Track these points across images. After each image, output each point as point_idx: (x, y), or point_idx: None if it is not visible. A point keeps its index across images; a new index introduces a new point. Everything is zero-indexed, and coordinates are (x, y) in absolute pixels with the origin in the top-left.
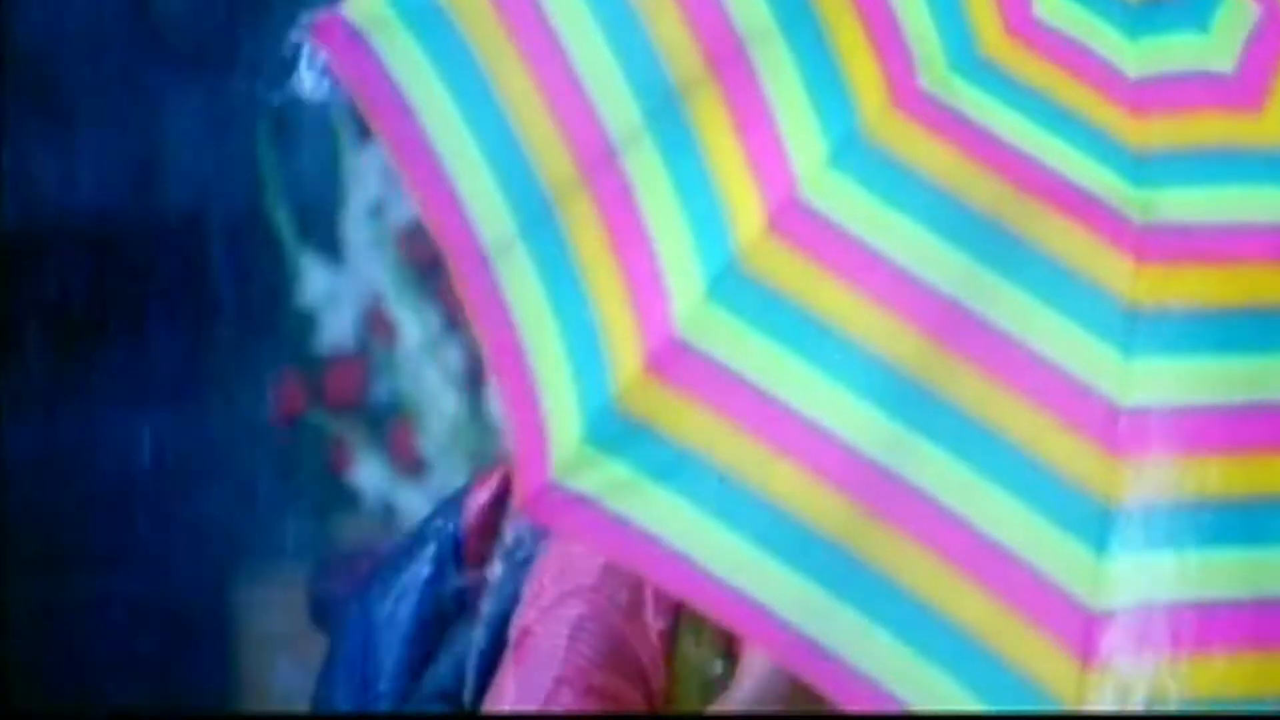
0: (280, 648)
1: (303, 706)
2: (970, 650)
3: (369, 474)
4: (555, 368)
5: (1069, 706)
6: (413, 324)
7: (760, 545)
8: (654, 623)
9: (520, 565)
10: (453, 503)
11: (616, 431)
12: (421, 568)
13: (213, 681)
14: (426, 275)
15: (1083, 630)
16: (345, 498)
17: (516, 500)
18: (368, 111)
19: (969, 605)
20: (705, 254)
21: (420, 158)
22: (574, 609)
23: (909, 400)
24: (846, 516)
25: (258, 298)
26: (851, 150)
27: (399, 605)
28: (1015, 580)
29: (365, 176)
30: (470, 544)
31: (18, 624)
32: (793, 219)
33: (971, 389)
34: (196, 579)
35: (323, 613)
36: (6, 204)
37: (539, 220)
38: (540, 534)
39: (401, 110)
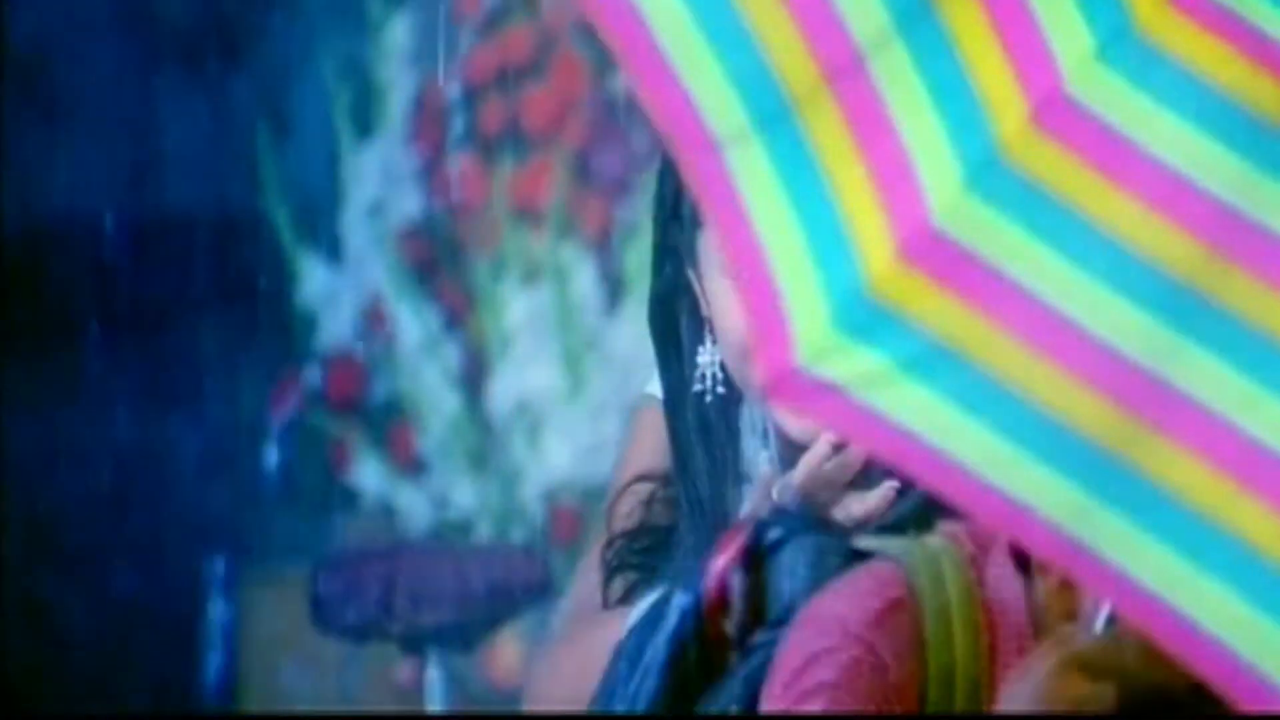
0: (281, 648)
1: (303, 707)
2: (1249, 560)
3: (368, 474)
4: (795, 254)
5: None
6: (412, 323)
7: (1017, 444)
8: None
9: (757, 667)
10: (692, 571)
11: (866, 319)
12: (662, 647)
13: (214, 681)
14: (425, 275)
15: None
16: (344, 497)
17: (759, 384)
18: (592, 14)
19: (1247, 515)
20: (962, 147)
21: (646, 55)
22: (817, 704)
23: (1179, 306)
24: (1110, 421)
25: (257, 297)
26: (1121, 45)
27: (643, 684)
28: None
29: (364, 176)
30: (711, 613)
31: (17, 624)
32: (1057, 113)
33: (1249, 296)
34: (195, 579)
35: (322, 612)
36: (6, 204)
37: (776, 118)
38: (778, 633)
39: (627, 11)
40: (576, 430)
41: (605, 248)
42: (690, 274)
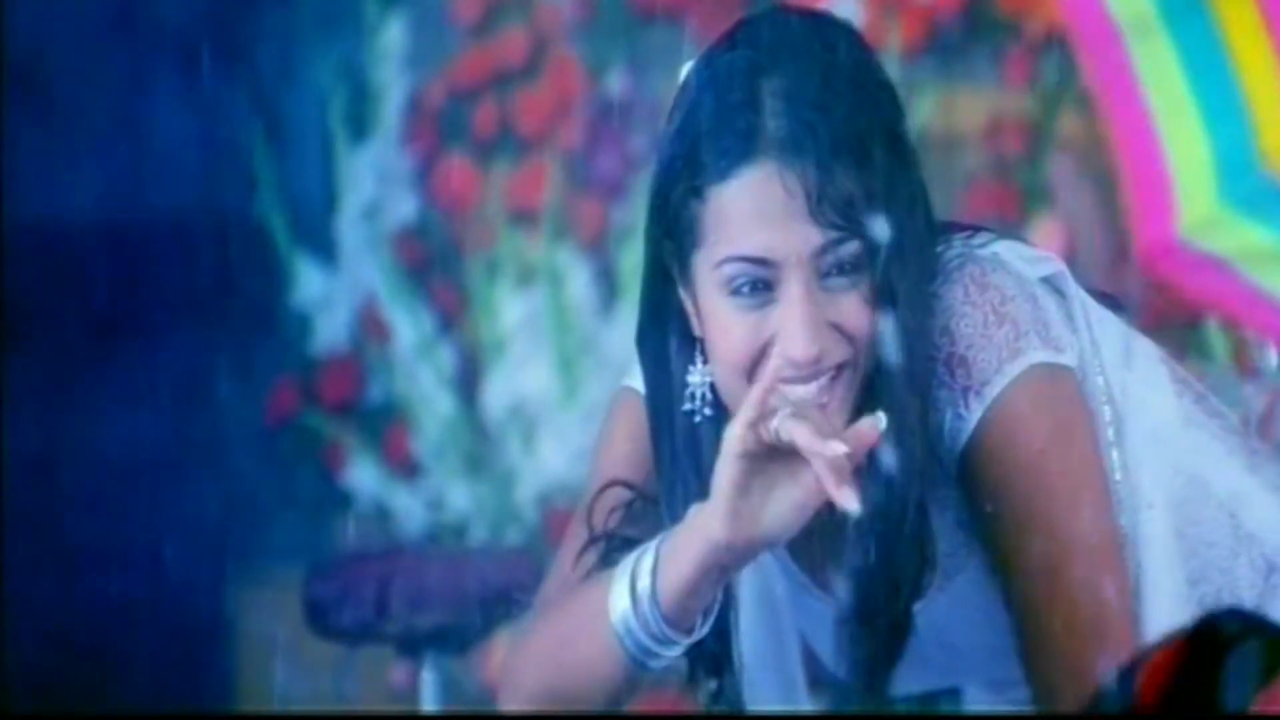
0: (275, 650)
1: (301, 707)
2: None
3: (363, 476)
4: (1189, 130)
5: None
6: (406, 325)
7: None
8: None
9: None
10: (1121, 670)
11: (1259, 194)
12: None
13: (213, 681)
14: (420, 277)
15: None
16: (339, 500)
17: (1137, 254)
18: None
19: None
20: None
21: None
22: None
23: None
24: None
25: (252, 299)
26: None
27: None
28: None
29: (359, 178)
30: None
31: (18, 624)
32: None
33: None
34: (195, 580)
35: (317, 615)
36: (6, 204)
37: (1187, 8)
38: None
39: None
40: (571, 432)
41: (600, 250)
42: (682, 294)
